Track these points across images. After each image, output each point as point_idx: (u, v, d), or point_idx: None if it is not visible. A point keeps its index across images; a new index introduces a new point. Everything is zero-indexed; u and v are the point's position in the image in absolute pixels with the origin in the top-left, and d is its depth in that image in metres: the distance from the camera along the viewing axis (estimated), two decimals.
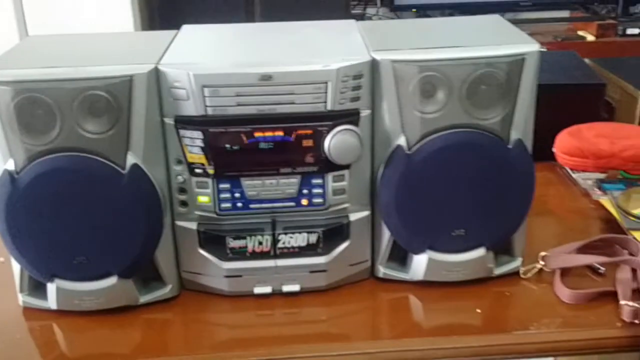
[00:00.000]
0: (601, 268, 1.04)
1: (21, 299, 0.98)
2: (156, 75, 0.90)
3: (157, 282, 0.99)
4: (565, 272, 1.03)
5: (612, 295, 0.97)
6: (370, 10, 3.28)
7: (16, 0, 2.37)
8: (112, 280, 0.95)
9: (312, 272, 1.00)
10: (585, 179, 1.33)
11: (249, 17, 2.65)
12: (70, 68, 0.89)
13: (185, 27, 1.11)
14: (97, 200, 0.90)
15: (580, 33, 3.09)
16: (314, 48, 1.01)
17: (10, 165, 0.89)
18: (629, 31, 3.03)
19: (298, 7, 2.59)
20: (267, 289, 1.00)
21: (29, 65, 0.90)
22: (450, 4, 3.15)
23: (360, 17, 3.11)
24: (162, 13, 2.64)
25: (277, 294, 1.00)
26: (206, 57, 0.98)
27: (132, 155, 0.90)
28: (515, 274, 1.03)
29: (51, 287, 0.95)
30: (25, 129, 0.88)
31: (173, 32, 1.08)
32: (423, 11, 3.18)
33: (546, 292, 1.00)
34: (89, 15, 2.35)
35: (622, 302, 0.94)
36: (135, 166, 0.90)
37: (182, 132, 0.92)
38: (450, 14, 3.07)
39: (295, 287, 1.00)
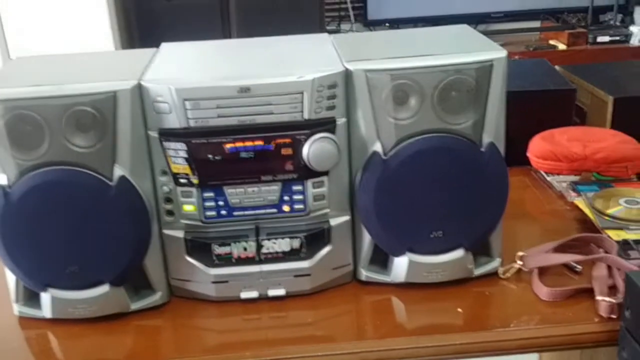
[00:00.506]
0: (577, 266, 1.06)
1: (16, 308, 1.01)
2: (139, 90, 0.94)
3: (147, 290, 1.02)
4: (542, 271, 1.05)
5: (589, 292, 0.99)
6: (345, 26, 3.32)
7: None
8: (104, 288, 0.98)
9: (296, 276, 1.03)
10: (560, 182, 1.36)
11: (226, 34, 2.68)
12: (57, 86, 0.92)
13: (165, 45, 1.14)
14: (87, 212, 0.93)
15: (552, 42, 3.15)
16: (289, 61, 1.05)
17: (2, 180, 0.92)
18: (600, 39, 3.09)
19: (273, 23, 2.62)
20: (254, 294, 1.02)
21: (18, 84, 0.93)
22: (423, 18, 3.20)
23: (335, 33, 3.16)
24: (140, 32, 2.67)
25: (263, 298, 1.03)
26: (186, 72, 1.02)
27: (119, 168, 0.94)
28: (494, 274, 1.06)
29: (45, 297, 0.98)
30: (15, 145, 0.91)
31: (153, 49, 1.11)
32: (396, 25, 3.23)
33: (525, 291, 1.03)
34: (69, 37, 2.37)
35: (598, 298, 0.96)
36: (122, 178, 0.94)
37: (166, 144, 0.95)
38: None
39: (281, 292, 1.03)
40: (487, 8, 3.22)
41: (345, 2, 3.25)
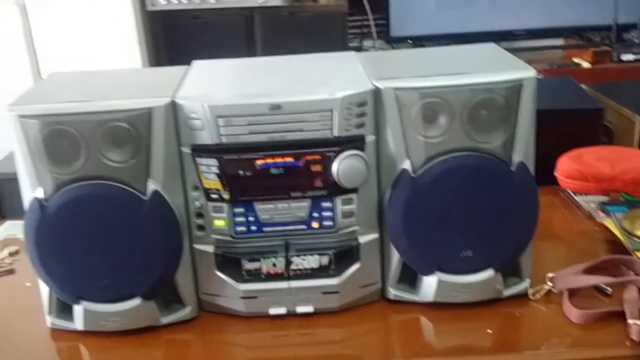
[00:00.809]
0: (608, 289, 1.05)
1: (49, 320, 1.02)
2: (173, 107, 0.95)
3: (177, 304, 1.03)
4: (572, 293, 1.04)
5: (620, 315, 0.98)
6: (367, 43, 3.33)
7: (28, 40, 2.44)
8: (136, 301, 0.99)
9: (324, 293, 1.03)
10: (588, 202, 1.35)
11: (251, 51, 2.71)
12: (93, 102, 0.94)
13: (196, 62, 1.16)
14: (121, 226, 0.94)
15: (576, 60, 3.13)
16: (319, 78, 1.06)
17: (39, 194, 0.94)
18: (624, 57, 3.06)
19: (297, 41, 2.64)
20: (282, 310, 1.03)
21: (55, 100, 0.96)
22: (446, 35, 3.19)
23: (358, 50, 3.16)
24: (167, 49, 2.70)
25: (291, 315, 1.03)
26: (219, 89, 1.03)
27: (153, 183, 0.95)
28: (523, 295, 1.05)
29: (78, 309, 0.99)
30: (52, 159, 0.93)
31: (185, 67, 1.13)
32: (419, 42, 3.23)
33: (555, 313, 1.02)
34: (98, 53, 2.41)
35: (630, 321, 0.95)
36: (155, 193, 0.95)
37: (199, 160, 0.97)
38: (446, 45, 3.12)
39: (309, 308, 1.03)
40: (510, 25, 3.21)
41: (368, 19, 3.26)
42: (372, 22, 3.27)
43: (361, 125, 0.97)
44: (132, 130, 0.92)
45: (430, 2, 3.16)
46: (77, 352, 1.00)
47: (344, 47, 2.70)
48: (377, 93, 0.97)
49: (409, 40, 3.23)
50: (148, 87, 1.03)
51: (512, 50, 1.12)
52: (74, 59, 2.40)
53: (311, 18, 2.70)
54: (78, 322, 1.00)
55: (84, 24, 2.43)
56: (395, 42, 3.27)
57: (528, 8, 3.19)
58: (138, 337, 1.01)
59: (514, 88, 0.96)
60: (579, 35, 3.32)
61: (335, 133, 0.96)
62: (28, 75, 2.45)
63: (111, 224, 0.94)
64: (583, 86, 1.83)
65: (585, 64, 3.08)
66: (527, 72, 0.98)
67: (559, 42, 3.35)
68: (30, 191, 0.95)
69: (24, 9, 2.43)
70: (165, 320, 1.02)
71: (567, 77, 1.86)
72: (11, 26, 2.44)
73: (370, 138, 0.98)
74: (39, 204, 0.94)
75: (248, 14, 2.67)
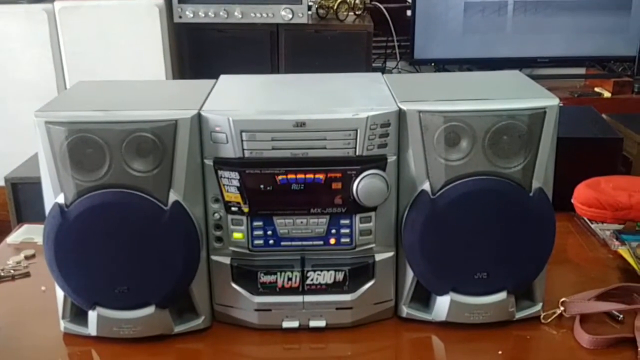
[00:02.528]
0: (619, 315, 1.06)
1: (63, 325, 1.03)
2: (198, 120, 0.97)
3: (190, 314, 1.04)
4: (584, 318, 1.05)
5: (631, 342, 0.99)
6: (390, 64, 3.36)
7: (55, 48, 2.47)
8: (150, 309, 1.00)
9: (338, 308, 1.04)
10: (604, 230, 1.36)
11: (274, 67, 2.73)
12: (120, 111, 0.95)
13: (223, 77, 1.17)
14: (140, 234, 0.95)
15: (597, 89, 3.14)
16: (344, 98, 1.07)
17: (61, 199, 0.95)
18: None
19: (321, 59, 2.67)
20: (295, 324, 1.04)
21: (81, 108, 0.97)
22: (469, 59, 3.21)
23: (381, 70, 3.19)
24: (191, 62, 2.74)
25: (304, 329, 1.04)
26: (244, 104, 1.04)
27: (174, 193, 0.96)
28: (535, 318, 1.06)
29: (92, 315, 1.00)
30: (76, 166, 0.94)
31: (212, 81, 1.14)
32: (442, 65, 3.25)
33: (566, 337, 1.03)
34: (123, 63, 2.44)
35: None
36: (176, 203, 0.96)
37: (221, 172, 0.98)
38: (468, 69, 3.13)
39: (322, 323, 1.04)
40: (533, 53, 3.22)
41: (392, 41, 3.28)
42: (396, 44, 3.29)
43: (384, 145, 0.98)
44: (157, 141, 0.94)
45: (455, 27, 3.18)
46: (89, 357, 1.01)
47: (368, 67, 2.72)
48: (401, 114, 0.98)
49: (432, 63, 3.25)
50: (174, 99, 1.05)
51: (534, 78, 1.13)
52: (99, 68, 2.43)
53: (336, 37, 2.72)
54: (91, 327, 1.01)
55: (111, 33, 2.46)
56: (418, 64, 3.29)
57: (552, 36, 3.21)
58: (150, 345, 1.01)
59: (537, 115, 0.97)
60: (600, 65, 3.32)
61: (358, 152, 0.97)
62: (52, 83, 2.49)
63: (131, 233, 0.95)
64: (603, 116, 1.83)
65: (606, 94, 3.08)
66: (550, 101, 0.98)
67: (580, 71, 3.35)
68: (52, 196, 0.96)
69: (53, 17, 2.47)
70: (178, 329, 1.03)
71: (589, 107, 1.87)
72: (40, 34, 2.48)
73: (392, 158, 0.99)
74: (60, 209, 0.95)
75: (273, 30, 2.70)
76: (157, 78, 2.45)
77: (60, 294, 1.02)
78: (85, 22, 2.47)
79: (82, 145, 0.93)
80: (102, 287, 0.98)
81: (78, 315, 1.03)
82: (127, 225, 0.95)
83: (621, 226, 1.36)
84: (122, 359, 1.00)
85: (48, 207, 0.97)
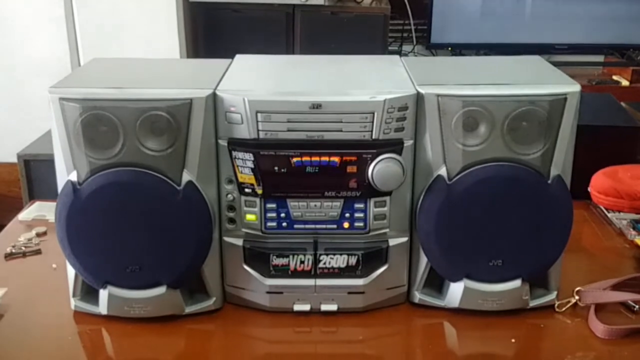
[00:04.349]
0: (635, 305, 1.05)
1: (73, 303, 1.03)
2: (214, 99, 0.96)
3: (202, 294, 1.03)
4: (599, 307, 1.04)
5: None
6: (407, 47, 3.33)
7: (70, 28, 2.47)
8: (162, 289, 0.99)
9: (350, 293, 1.03)
10: (620, 219, 1.35)
11: (289, 48, 2.72)
12: (135, 89, 0.94)
13: (239, 57, 1.16)
14: (153, 213, 0.95)
15: (615, 77, 3.12)
16: (361, 80, 1.06)
17: (73, 177, 0.95)
18: None
19: (337, 40, 2.65)
20: (306, 307, 1.03)
21: (96, 85, 0.96)
22: (486, 44, 3.19)
23: (397, 53, 3.17)
24: (206, 41, 2.72)
25: (315, 312, 1.04)
26: (260, 85, 1.03)
27: (188, 173, 0.95)
28: (549, 307, 1.05)
29: (103, 294, 1.00)
30: (89, 144, 0.93)
31: (227, 60, 1.13)
32: (458, 50, 3.23)
33: (580, 327, 1.02)
34: (138, 41, 2.44)
35: None
36: (189, 183, 0.95)
37: (235, 153, 0.97)
38: (485, 54, 3.11)
39: (333, 307, 1.03)
40: (552, 39, 3.20)
41: (409, 24, 3.26)
42: (412, 27, 3.26)
43: (400, 129, 0.97)
44: (171, 120, 0.93)
45: (473, 11, 3.15)
46: (99, 335, 1.01)
47: (384, 51, 2.70)
48: (419, 98, 0.97)
49: (448, 48, 3.23)
50: (189, 78, 1.04)
51: (552, 64, 1.11)
52: (114, 46, 2.43)
53: (352, 19, 2.70)
54: (102, 306, 1.01)
55: (126, 11, 2.45)
56: (435, 49, 3.27)
57: (570, 23, 3.18)
58: (161, 325, 1.01)
59: (558, 102, 0.95)
60: (619, 53, 3.29)
61: (374, 135, 0.96)
62: (67, 62, 2.48)
63: (143, 212, 0.95)
64: (622, 104, 1.82)
65: (624, 82, 3.06)
66: (571, 87, 0.97)
67: (599, 58, 3.32)
68: (65, 174, 0.95)
69: None
70: (188, 309, 1.02)
71: (608, 94, 1.85)
72: (55, 12, 2.47)
73: (408, 142, 0.98)
74: (73, 187, 0.94)
75: (289, 11, 2.68)
76: (171, 57, 2.44)
77: (71, 272, 1.02)
78: (101, 1, 2.46)
79: (96, 122, 0.92)
80: (113, 266, 0.98)
81: (89, 293, 1.03)
82: (139, 205, 0.94)
83: (638, 216, 1.35)
84: (132, 339, 1.00)
85: (60, 184, 0.96)
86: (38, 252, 1.21)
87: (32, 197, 2.02)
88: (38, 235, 1.26)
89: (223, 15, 2.68)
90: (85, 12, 2.47)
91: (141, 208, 0.94)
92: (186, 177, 0.95)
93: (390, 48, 3.09)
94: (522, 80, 1.00)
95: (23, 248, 1.21)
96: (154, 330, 1.01)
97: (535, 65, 1.12)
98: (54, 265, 1.13)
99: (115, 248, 0.96)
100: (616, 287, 1.08)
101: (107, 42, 2.45)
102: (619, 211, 1.37)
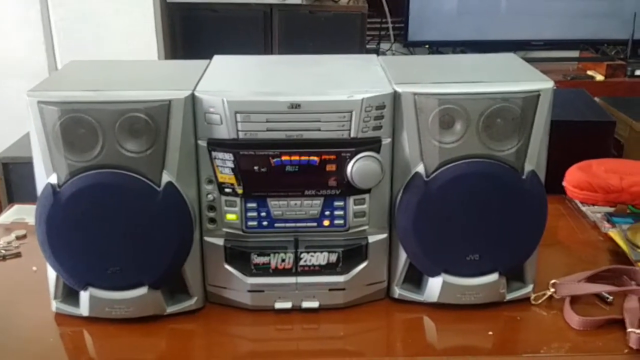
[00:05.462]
0: (609, 297, 1.07)
1: (54, 305, 1.03)
2: (192, 100, 0.96)
3: (183, 294, 1.04)
4: (574, 299, 1.06)
5: (620, 323, 1.00)
6: (384, 45, 3.35)
7: (46, 28, 2.45)
8: (143, 290, 1.00)
9: (331, 290, 1.04)
10: (594, 212, 1.37)
11: (268, 48, 2.72)
12: (113, 91, 0.95)
13: (217, 57, 1.16)
14: (133, 215, 0.95)
15: (590, 73, 3.15)
16: (339, 79, 1.07)
17: (53, 179, 0.95)
18: (638, 72, 3.08)
19: (315, 40, 2.66)
20: (288, 305, 1.04)
21: (74, 88, 0.96)
22: (463, 42, 3.21)
23: (375, 52, 3.18)
24: (184, 41, 2.72)
25: (296, 309, 1.05)
26: (239, 85, 1.04)
27: (167, 174, 0.96)
28: (526, 299, 1.07)
29: (84, 295, 1.00)
30: (68, 146, 0.93)
31: (206, 61, 1.13)
32: (436, 47, 3.24)
33: (556, 318, 1.04)
34: (115, 43, 2.42)
35: (629, 329, 0.97)
36: (169, 184, 0.96)
37: (214, 153, 0.98)
38: (462, 51, 3.13)
39: (315, 304, 1.04)
40: (528, 35, 3.22)
41: (386, 22, 3.27)
42: (390, 25, 3.27)
43: (378, 128, 0.98)
44: (150, 122, 0.93)
45: (450, 9, 3.17)
46: (81, 337, 1.01)
47: (361, 49, 2.71)
48: (396, 97, 0.98)
49: (426, 45, 3.24)
50: (168, 79, 1.04)
51: (528, 60, 1.13)
52: (91, 48, 2.41)
53: (330, 18, 2.70)
54: (83, 308, 1.01)
55: (102, 12, 2.44)
56: (413, 46, 3.28)
57: (546, 19, 3.21)
58: (142, 326, 1.01)
59: (531, 99, 0.97)
60: (594, 49, 3.33)
61: (353, 134, 0.97)
62: (44, 63, 2.47)
63: (124, 213, 0.95)
64: (596, 99, 1.84)
65: (599, 77, 3.09)
66: (544, 84, 0.98)
67: (574, 54, 3.36)
68: (45, 176, 0.95)
69: None
70: (170, 309, 1.03)
71: (581, 90, 1.87)
72: (29, 11, 2.45)
73: (386, 140, 0.99)
74: (52, 189, 0.94)
75: (267, 10, 2.68)
76: (149, 58, 2.43)
77: (52, 274, 1.02)
78: (77, 1, 2.44)
79: (75, 125, 0.93)
80: (94, 267, 0.98)
81: (70, 295, 1.03)
82: (119, 206, 0.95)
83: (612, 209, 1.37)
84: (114, 340, 1.00)
85: (40, 187, 0.96)
86: (18, 255, 1.21)
87: (11, 200, 2.00)
88: (18, 238, 1.25)
89: (201, 15, 2.68)
90: (61, 12, 2.45)
91: (121, 209, 0.95)
92: (166, 178, 0.96)
93: (368, 46, 3.10)
94: (496, 77, 1.02)
95: (3, 251, 1.21)
96: (135, 330, 1.01)
97: (509, 63, 1.14)
98: (34, 268, 1.13)
99: (95, 250, 0.97)
100: (591, 279, 1.10)
101: (83, 43, 2.44)
102: (594, 204, 1.38)
